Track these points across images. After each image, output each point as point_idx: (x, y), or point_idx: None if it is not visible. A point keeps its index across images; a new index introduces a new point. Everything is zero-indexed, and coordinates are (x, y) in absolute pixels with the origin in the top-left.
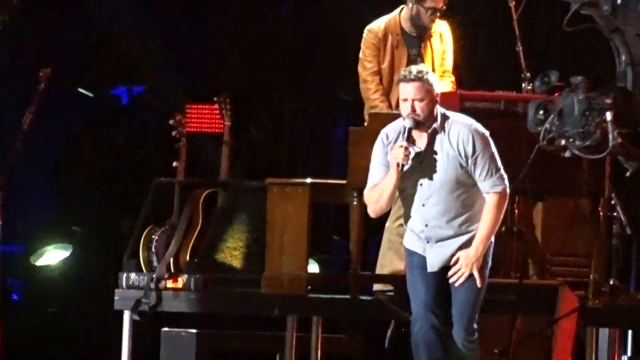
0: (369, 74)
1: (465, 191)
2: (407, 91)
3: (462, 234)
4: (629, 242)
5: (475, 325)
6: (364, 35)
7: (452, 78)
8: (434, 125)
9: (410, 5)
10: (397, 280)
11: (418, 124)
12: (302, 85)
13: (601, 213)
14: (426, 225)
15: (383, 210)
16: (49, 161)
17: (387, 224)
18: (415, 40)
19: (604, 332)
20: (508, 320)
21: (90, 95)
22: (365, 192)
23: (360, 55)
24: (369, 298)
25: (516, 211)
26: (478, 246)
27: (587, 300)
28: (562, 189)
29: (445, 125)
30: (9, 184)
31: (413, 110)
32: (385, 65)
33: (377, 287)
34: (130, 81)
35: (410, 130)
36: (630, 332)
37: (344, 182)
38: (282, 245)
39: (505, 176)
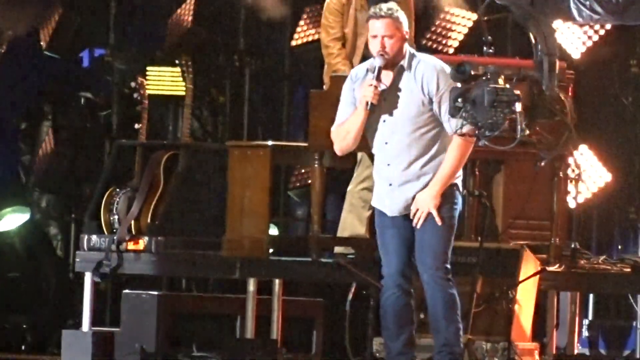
0: (331, 39)
1: (427, 131)
2: (376, 28)
3: (422, 176)
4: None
5: (447, 265)
6: (327, 0)
7: (414, 45)
8: (401, 62)
9: None
10: (358, 243)
11: (387, 62)
12: (261, 47)
13: (562, 176)
14: (388, 165)
15: (350, 148)
16: (10, 123)
17: (349, 187)
18: (378, 3)
19: (565, 296)
20: (469, 283)
21: (57, 57)
22: (333, 129)
23: (323, 20)
24: (330, 261)
25: (477, 174)
26: (435, 185)
27: (548, 263)
28: (522, 152)
29: (412, 62)
30: None
31: (383, 47)
32: (348, 29)
33: (338, 249)
34: (92, 43)
35: (380, 69)
36: (591, 295)
37: (305, 144)
38: (242, 208)
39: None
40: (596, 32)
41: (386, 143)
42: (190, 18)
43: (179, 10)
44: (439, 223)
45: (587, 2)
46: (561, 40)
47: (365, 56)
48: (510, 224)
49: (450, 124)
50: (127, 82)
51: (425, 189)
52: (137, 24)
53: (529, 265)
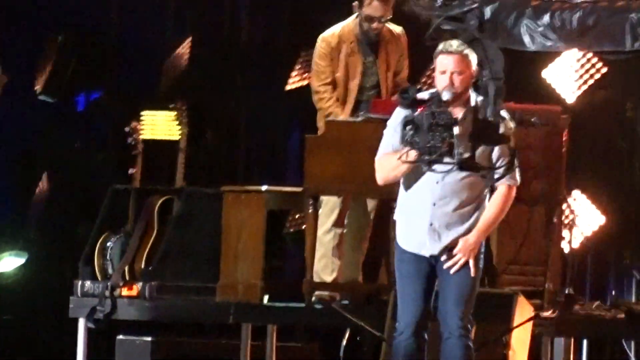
0: (321, 85)
1: (479, 177)
2: (445, 63)
3: (466, 221)
4: (584, 251)
5: (470, 322)
6: (317, 45)
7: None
8: (470, 102)
9: (357, 11)
10: (353, 288)
11: (453, 98)
12: (256, 92)
13: (556, 221)
14: (434, 204)
15: (396, 179)
16: (5, 166)
17: (319, 234)
18: (369, 48)
19: (559, 342)
20: None
21: (51, 101)
22: (378, 157)
23: (313, 66)
24: (324, 306)
25: None
26: (479, 234)
27: (542, 309)
28: (517, 197)
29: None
30: None
31: (451, 83)
32: (339, 73)
33: (318, 293)
34: (87, 87)
35: (446, 103)
36: (585, 341)
37: (299, 189)
38: (237, 253)
39: (519, 172)
40: (591, 76)
41: (437, 182)
42: (185, 61)
43: (174, 54)
44: (473, 274)
45: (540, 29)
46: (556, 85)
47: (358, 101)
48: (504, 269)
49: (503, 173)
50: (122, 126)
51: (469, 235)
52: (131, 68)
53: (523, 311)
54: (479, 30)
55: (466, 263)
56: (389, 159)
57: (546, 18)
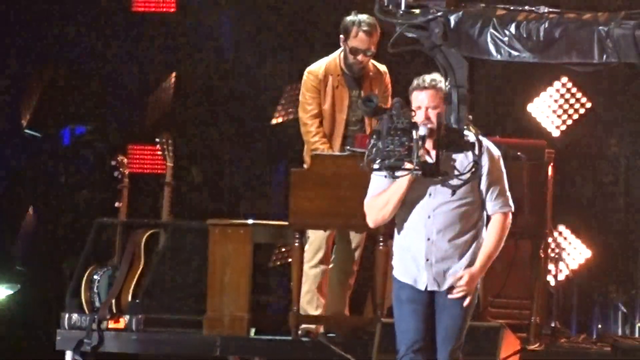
0: (309, 117)
1: (470, 209)
2: (420, 99)
3: (461, 252)
4: (570, 285)
5: (460, 354)
6: (304, 77)
7: None
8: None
9: (342, 45)
10: (339, 321)
11: (432, 133)
12: (241, 125)
13: (542, 255)
14: (428, 239)
15: (385, 220)
16: None
17: (305, 268)
18: (355, 81)
19: None
20: None
21: (38, 135)
22: (367, 200)
23: (301, 97)
24: (310, 339)
25: None
26: (482, 266)
27: (529, 342)
28: None
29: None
30: None
31: (427, 118)
32: (326, 106)
33: (304, 326)
34: (73, 121)
35: (424, 137)
36: None
37: (285, 223)
38: (223, 286)
39: (510, 198)
40: (576, 111)
41: (429, 217)
42: (170, 95)
43: (158, 88)
44: (466, 303)
45: (506, 39)
46: (541, 119)
47: (345, 135)
48: (490, 302)
49: (495, 203)
50: (107, 160)
51: (472, 268)
52: (117, 102)
53: (510, 344)
54: (443, 38)
55: (459, 300)
56: (376, 199)
57: (512, 28)
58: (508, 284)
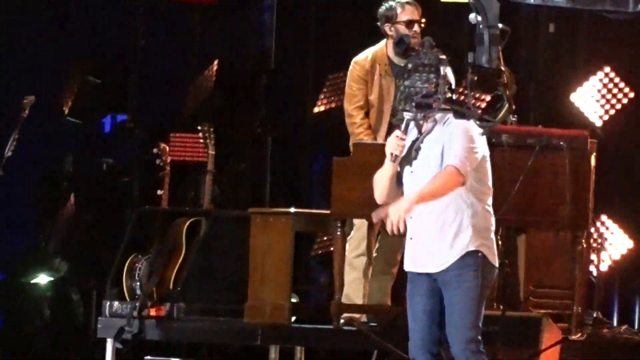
0: (354, 108)
1: None
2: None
3: (443, 229)
4: (612, 275)
5: (477, 337)
6: (351, 68)
7: None
8: (434, 116)
9: (390, 32)
10: (381, 311)
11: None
12: (283, 114)
13: (584, 245)
14: (410, 217)
15: (382, 200)
16: (32, 188)
17: (351, 257)
18: (402, 70)
19: None
20: (491, 352)
21: (79, 123)
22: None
23: (347, 89)
24: (351, 328)
25: (499, 243)
26: (409, 197)
27: (570, 332)
28: (544, 222)
29: (446, 118)
30: None
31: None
32: (373, 96)
33: (346, 315)
34: (114, 110)
35: (408, 121)
36: None
37: (327, 212)
38: (264, 275)
39: (467, 165)
40: (619, 100)
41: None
42: (211, 84)
43: (200, 77)
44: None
45: None
46: (584, 109)
47: (391, 125)
48: (531, 292)
49: (447, 158)
50: (149, 148)
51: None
52: (158, 90)
53: (551, 334)
54: None
55: (465, 281)
56: (375, 176)
57: None
58: (550, 274)
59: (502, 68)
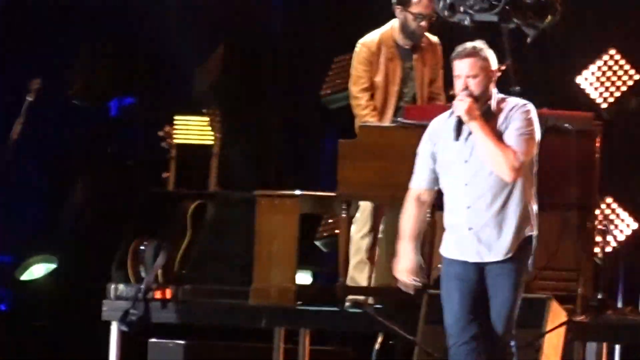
0: (360, 90)
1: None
2: (459, 68)
3: (502, 220)
4: (617, 256)
5: (512, 331)
6: (357, 49)
7: (443, 95)
8: (489, 103)
9: (399, 15)
10: (387, 293)
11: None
12: (289, 96)
13: (589, 227)
14: (468, 207)
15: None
16: (39, 170)
17: (356, 238)
18: (408, 53)
19: (591, 347)
20: None
21: (85, 105)
22: (408, 194)
23: (352, 71)
24: (357, 310)
25: None
26: (481, 123)
27: (575, 314)
28: (550, 203)
29: (503, 106)
30: None
31: (465, 87)
32: (379, 78)
33: (351, 297)
34: (121, 92)
35: (459, 119)
36: (617, 346)
37: (333, 194)
38: (270, 257)
39: (527, 158)
40: (624, 82)
41: (466, 184)
42: (218, 67)
43: (207, 59)
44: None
45: None
46: (589, 91)
47: (397, 107)
48: (537, 273)
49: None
50: (155, 131)
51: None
52: (165, 73)
53: (556, 316)
54: None
55: (510, 272)
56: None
57: None
58: (555, 256)
59: None
